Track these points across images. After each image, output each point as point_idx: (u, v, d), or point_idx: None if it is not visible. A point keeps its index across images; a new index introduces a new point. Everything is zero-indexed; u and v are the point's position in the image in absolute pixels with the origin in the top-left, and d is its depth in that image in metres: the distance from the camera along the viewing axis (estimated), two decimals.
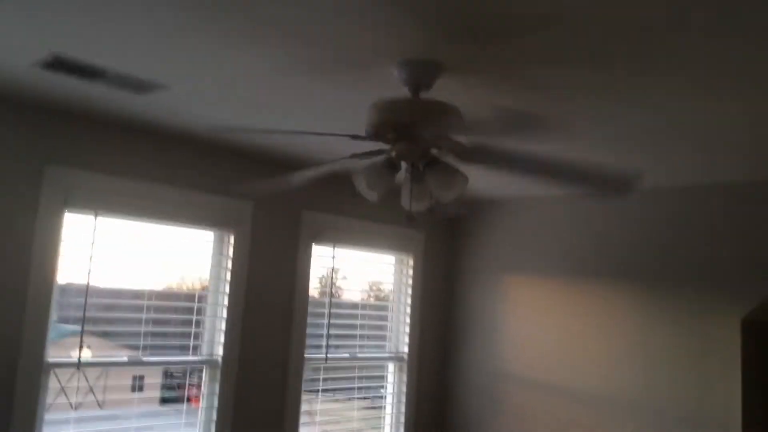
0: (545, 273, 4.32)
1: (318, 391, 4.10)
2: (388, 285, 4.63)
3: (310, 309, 3.98)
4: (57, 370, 3.02)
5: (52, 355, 2.98)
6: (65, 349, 3.06)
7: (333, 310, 4.15)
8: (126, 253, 3.28)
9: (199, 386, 3.57)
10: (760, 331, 3.59)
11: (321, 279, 4.21)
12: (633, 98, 2.39)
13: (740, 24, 1.74)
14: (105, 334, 3.30)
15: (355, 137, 2.23)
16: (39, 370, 2.92)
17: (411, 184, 2.24)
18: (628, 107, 2.49)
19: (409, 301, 4.57)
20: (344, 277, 4.35)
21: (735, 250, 3.51)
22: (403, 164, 2.24)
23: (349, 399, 4.35)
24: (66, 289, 3.06)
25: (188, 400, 3.60)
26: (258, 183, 3.34)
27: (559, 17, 1.77)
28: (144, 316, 3.32)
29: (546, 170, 2.33)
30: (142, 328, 3.31)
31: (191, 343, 3.52)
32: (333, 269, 4.17)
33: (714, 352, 3.53)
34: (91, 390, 3.24)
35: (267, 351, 3.77)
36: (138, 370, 3.52)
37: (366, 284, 4.63)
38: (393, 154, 2.20)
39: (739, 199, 3.53)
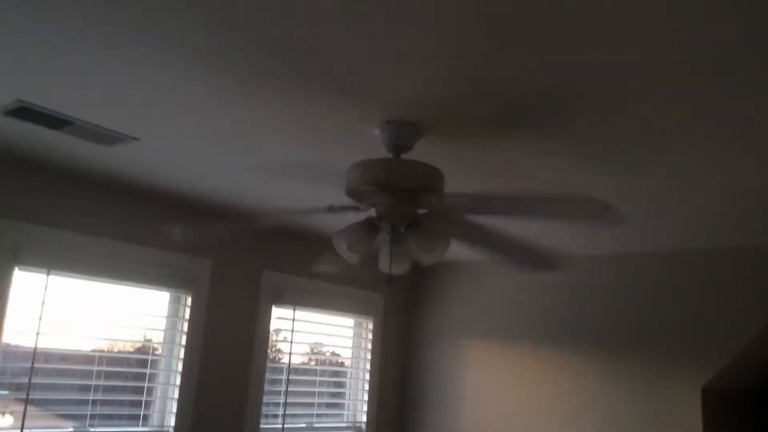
0: (504, 337, 4.29)
1: None
2: (347, 349, 4.50)
3: (267, 375, 3.81)
4: None
5: None
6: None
7: (291, 377, 3.99)
8: (77, 314, 3.08)
9: None
10: (720, 400, 3.62)
11: (279, 342, 4.06)
12: (596, 166, 2.43)
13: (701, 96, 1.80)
14: (46, 401, 3.04)
15: (330, 209, 2.19)
16: None
17: (391, 246, 2.19)
18: (592, 175, 2.54)
19: (368, 366, 4.45)
20: (303, 342, 4.21)
21: (695, 318, 3.57)
22: (384, 225, 2.19)
23: None
24: (9, 351, 2.84)
25: None
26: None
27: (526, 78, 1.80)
28: (93, 382, 3.10)
29: (495, 244, 2.35)
30: (91, 396, 3.09)
31: (141, 412, 3.30)
32: (292, 332, 4.03)
33: (674, 419, 3.53)
34: None
35: (222, 420, 3.57)
36: None
37: (325, 349, 4.49)
38: (374, 214, 2.16)
39: (700, 266, 3.61)
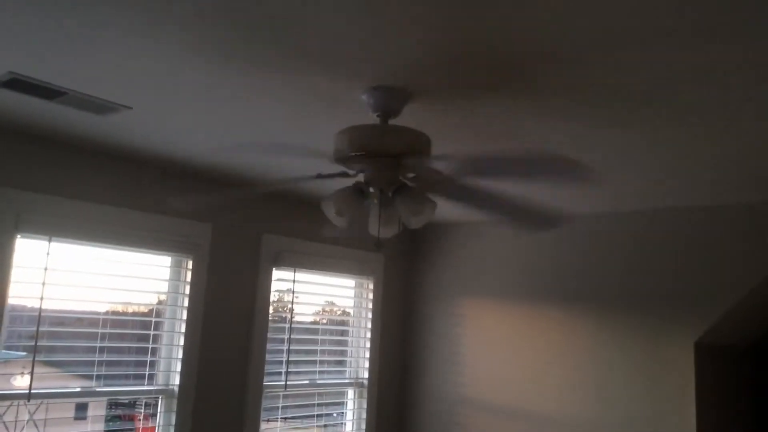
0: (502, 296, 4.36)
1: (277, 419, 4.02)
2: (348, 309, 4.60)
3: (269, 335, 3.91)
4: (2, 401, 2.88)
5: None
6: (7, 376, 2.92)
7: (293, 336, 4.09)
8: (80, 279, 3.17)
9: (149, 416, 3.45)
10: (713, 354, 3.69)
11: (280, 304, 4.15)
12: (587, 126, 2.45)
13: (699, 53, 1.81)
14: (54, 363, 3.15)
15: (319, 176, 2.23)
16: None
17: (380, 210, 2.23)
18: (589, 130, 2.55)
19: (369, 325, 4.54)
20: (304, 302, 4.30)
21: (688, 274, 3.61)
22: (372, 190, 2.23)
23: (309, 426, 4.27)
24: (16, 315, 2.93)
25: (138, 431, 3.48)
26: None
27: (518, 41, 1.81)
28: (98, 344, 3.20)
29: (493, 205, 2.37)
30: (96, 357, 3.19)
31: (146, 371, 3.41)
32: (293, 293, 4.12)
33: (668, 375, 3.60)
34: (33, 423, 3.09)
35: (225, 379, 3.68)
36: (81, 400, 3.35)
37: (326, 309, 4.58)
38: (362, 179, 2.19)
39: (690, 222, 3.64)
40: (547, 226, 2.98)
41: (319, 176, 2.24)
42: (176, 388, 3.44)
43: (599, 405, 3.81)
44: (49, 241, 3.01)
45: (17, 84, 2.28)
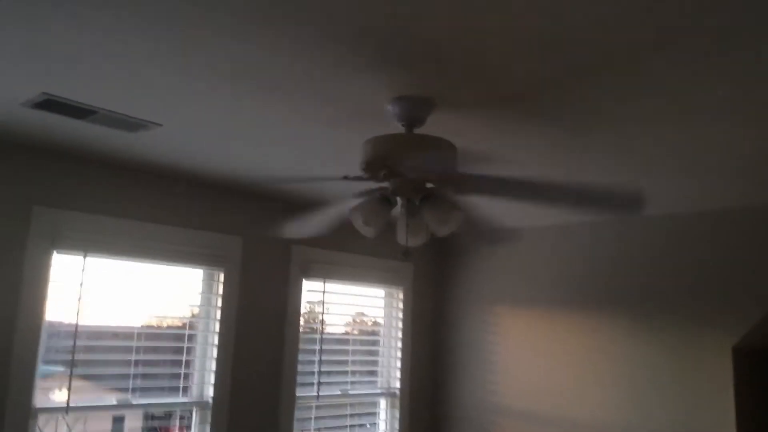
0: (535, 302, 4.32)
1: (310, 430, 4.03)
2: (378, 319, 4.60)
3: (300, 345, 3.93)
4: (42, 415, 2.94)
5: (38, 395, 2.91)
6: (46, 390, 2.98)
7: (324, 347, 4.10)
8: (115, 293, 3.23)
9: (185, 428, 3.49)
10: (751, 359, 3.60)
11: (311, 314, 4.17)
12: (622, 124, 2.42)
13: (729, 55, 1.78)
14: (90, 376, 3.21)
15: (345, 178, 2.24)
16: (26, 415, 2.84)
17: (407, 219, 2.24)
18: (618, 133, 2.52)
19: (399, 334, 4.54)
20: (335, 313, 4.31)
21: (725, 277, 3.54)
22: (399, 199, 2.24)
23: None
24: (53, 331, 3.00)
25: None
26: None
27: (541, 46, 1.80)
28: (133, 357, 3.25)
29: (555, 194, 2.34)
30: (131, 370, 3.24)
31: (180, 384, 3.45)
32: (323, 304, 4.14)
33: (706, 379, 3.53)
34: None
35: (258, 390, 3.71)
36: (118, 413, 3.40)
37: (356, 319, 4.59)
38: (388, 189, 2.20)
39: (729, 225, 3.57)
40: (628, 209, 2.82)
41: (346, 178, 2.24)
42: (210, 400, 3.48)
43: (635, 412, 3.75)
44: (84, 256, 3.08)
45: (50, 105, 2.34)
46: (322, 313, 4.13)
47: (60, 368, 3.05)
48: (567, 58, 1.83)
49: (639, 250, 3.90)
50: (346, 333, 4.47)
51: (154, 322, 3.48)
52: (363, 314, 4.61)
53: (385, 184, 2.22)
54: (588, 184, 2.19)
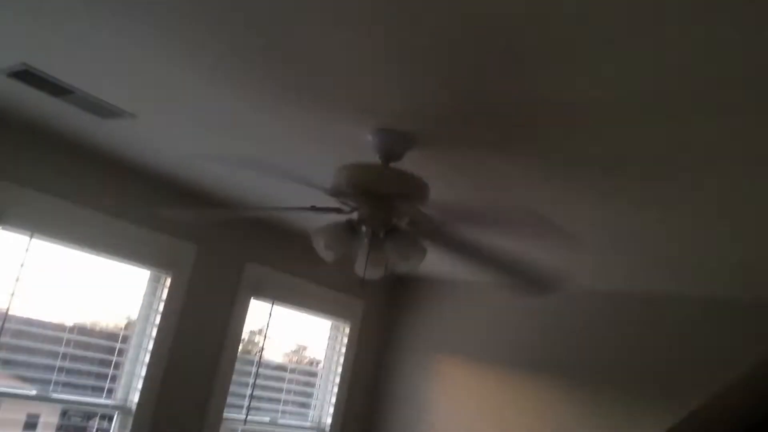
0: (478, 357, 4.31)
1: None
2: (320, 351, 4.52)
3: (236, 366, 3.83)
4: None
5: None
6: None
7: (261, 371, 4.00)
8: (55, 281, 3.10)
9: (104, 431, 3.34)
10: None
11: (253, 335, 4.07)
12: (577, 202, 2.47)
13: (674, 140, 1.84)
14: (11, 363, 3.05)
15: (313, 209, 2.22)
16: None
17: (369, 251, 2.22)
18: (571, 209, 2.57)
19: (339, 370, 4.46)
20: (277, 337, 4.22)
21: (666, 362, 3.59)
22: (364, 229, 2.22)
23: None
24: None
25: None
26: (186, 211, 3.16)
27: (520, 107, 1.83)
28: (61, 350, 3.12)
29: (488, 260, 2.36)
30: (57, 362, 3.10)
31: (106, 385, 3.31)
32: (267, 326, 4.05)
33: None
34: None
35: (185, 404, 3.58)
36: (34, 407, 3.23)
37: (298, 347, 4.50)
38: (355, 217, 2.19)
39: (674, 311, 3.63)
40: (543, 290, 2.93)
41: (314, 208, 2.24)
42: (134, 406, 3.34)
43: None
44: (31, 237, 2.96)
45: (28, 76, 2.28)
46: (265, 336, 4.04)
47: None
48: (547, 108, 1.86)
49: (585, 322, 3.93)
50: (286, 361, 4.37)
51: (90, 317, 3.35)
52: (305, 345, 4.52)
53: (351, 212, 2.21)
54: (518, 260, 2.25)
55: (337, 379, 4.44)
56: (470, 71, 1.68)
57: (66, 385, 3.14)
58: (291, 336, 4.35)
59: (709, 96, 1.57)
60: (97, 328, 3.40)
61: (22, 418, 3.21)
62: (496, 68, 1.64)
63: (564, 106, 1.78)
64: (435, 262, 4.03)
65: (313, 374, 4.46)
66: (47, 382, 3.08)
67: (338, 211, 2.25)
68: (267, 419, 4.07)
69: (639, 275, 3.48)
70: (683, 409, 3.46)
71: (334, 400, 4.40)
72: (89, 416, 3.39)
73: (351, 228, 2.19)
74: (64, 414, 3.34)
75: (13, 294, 2.90)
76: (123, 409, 3.34)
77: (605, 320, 3.87)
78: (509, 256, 2.28)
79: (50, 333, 3.15)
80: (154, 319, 3.47)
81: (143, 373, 3.38)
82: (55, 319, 3.17)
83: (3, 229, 2.89)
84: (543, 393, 3.97)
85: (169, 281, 3.51)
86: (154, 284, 3.52)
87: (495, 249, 2.28)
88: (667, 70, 1.49)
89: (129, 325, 3.46)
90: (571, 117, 1.83)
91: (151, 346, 3.42)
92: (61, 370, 3.11)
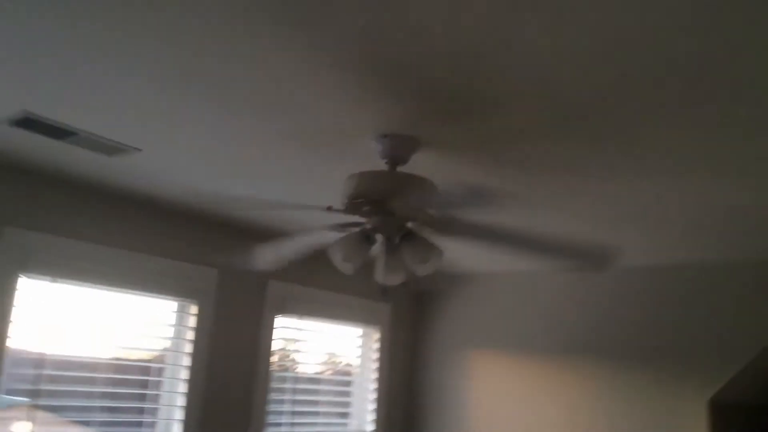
0: (511, 349, 4.28)
1: None
2: (353, 359, 4.51)
3: (272, 384, 3.83)
4: None
5: None
6: (7, 422, 2.85)
7: (296, 386, 4.00)
8: (83, 322, 3.12)
9: None
10: (727, 414, 3.58)
11: (284, 352, 4.07)
12: (604, 176, 2.43)
13: (712, 111, 1.80)
14: (53, 408, 3.08)
15: (329, 209, 2.20)
16: None
17: (386, 258, 2.20)
18: (600, 184, 2.53)
19: (374, 376, 4.45)
20: (308, 351, 4.22)
21: (701, 331, 3.54)
22: (379, 237, 2.21)
23: None
24: (17, 359, 2.88)
25: None
26: (240, 256, 3.13)
27: (533, 94, 1.81)
28: (99, 389, 3.14)
29: (523, 243, 2.32)
30: (97, 403, 3.12)
31: (146, 419, 3.33)
32: (297, 342, 4.05)
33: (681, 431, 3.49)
34: None
35: (227, 429, 3.58)
36: None
37: (330, 359, 4.50)
38: (369, 226, 2.17)
39: (706, 279, 3.58)
40: (595, 266, 2.83)
41: (330, 209, 2.21)
42: None
43: None
44: (53, 281, 2.99)
45: (30, 123, 2.29)
46: (296, 352, 4.04)
47: (22, 399, 2.92)
48: (556, 108, 1.84)
49: (617, 301, 3.89)
50: (320, 372, 4.37)
51: (121, 354, 3.36)
52: (337, 354, 4.52)
53: (365, 221, 2.20)
54: (561, 238, 2.19)
55: (373, 385, 4.43)
56: (469, 65, 1.66)
57: (107, 423, 3.15)
58: (322, 346, 4.34)
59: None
60: (131, 365, 3.41)
61: None
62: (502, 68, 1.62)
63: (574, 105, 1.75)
64: (457, 257, 4.01)
65: (349, 383, 4.45)
66: (89, 423, 3.10)
67: (352, 211, 2.22)
68: None
69: (662, 249, 3.43)
70: (725, 374, 3.41)
71: (372, 407, 4.39)
72: None
73: (366, 237, 2.17)
74: None
75: (44, 340, 2.92)
76: None
77: (636, 298, 3.82)
78: (552, 237, 2.22)
79: (85, 374, 3.16)
80: (186, 348, 3.47)
81: (181, 403, 3.39)
82: (87, 361, 3.19)
83: (25, 277, 2.91)
84: (579, 378, 3.93)
85: (195, 309, 3.52)
86: (182, 314, 3.53)
87: (533, 233, 2.23)
88: None
89: (161, 357, 3.47)
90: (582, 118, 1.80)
91: (186, 376, 3.42)
92: (101, 409, 3.13)
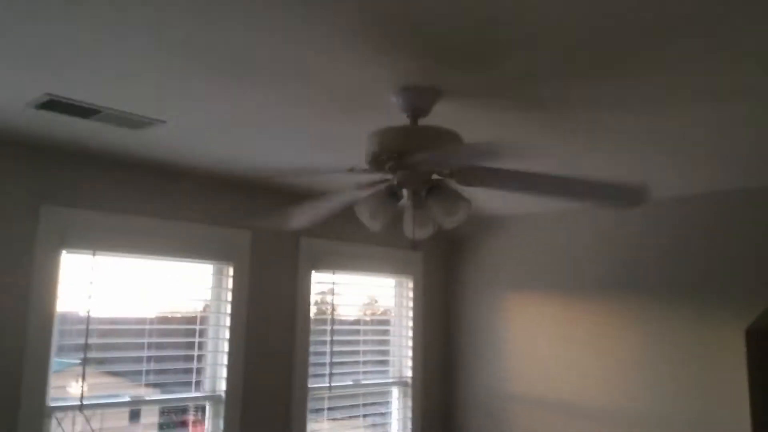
0: (545, 288, 4.31)
1: (323, 419, 4.05)
2: (389, 308, 4.60)
3: (312, 337, 3.94)
4: (57, 413, 2.96)
5: (52, 391, 2.93)
6: (61, 386, 3.01)
7: (335, 338, 4.11)
8: (124, 291, 3.24)
9: (200, 421, 3.52)
10: (765, 340, 3.58)
11: (321, 306, 4.17)
12: (628, 109, 2.39)
13: (737, 36, 1.75)
14: (104, 370, 3.22)
15: (352, 170, 2.22)
16: (41, 414, 2.87)
17: (413, 212, 2.22)
18: (624, 118, 2.49)
19: (410, 323, 4.54)
20: (344, 304, 4.31)
21: (737, 259, 3.51)
22: (405, 191, 2.22)
23: (355, 426, 4.29)
24: (66, 324, 3.02)
25: None
26: (273, 218, 3.17)
27: (548, 35, 1.77)
28: (145, 354, 3.27)
29: (553, 187, 2.31)
30: (144, 366, 3.26)
31: (193, 378, 3.47)
32: (333, 295, 4.14)
33: (719, 362, 3.51)
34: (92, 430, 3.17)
35: (270, 383, 3.72)
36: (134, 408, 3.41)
37: (367, 309, 4.59)
38: (394, 182, 2.19)
39: (739, 207, 3.53)
40: (626, 202, 2.78)
41: (352, 170, 2.23)
42: (223, 394, 3.50)
43: (649, 395, 3.74)
44: (93, 254, 3.09)
45: (54, 105, 2.34)
46: (332, 305, 4.13)
47: (74, 361, 3.06)
48: (569, 50, 1.80)
49: (649, 234, 3.87)
50: (357, 322, 4.47)
51: (165, 318, 3.49)
52: (373, 304, 4.61)
53: (390, 177, 2.21)
54: (591, 179, 2.17)
55: (410, 333, 4.52)
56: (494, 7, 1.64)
57: (156, 385, 3.30)
58: (358, 298, 4.43)
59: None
60: (174, 327, 3.54)
61: (125, 422, 3.39)
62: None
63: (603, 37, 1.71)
64: (484, 202, 4.01)
65: (386, 332, 4.54)
66: (139, 383, 3.24)
67: (375, 170, 2.23)
68: (350, 382, 4.19)
69: (693, 179, 3.38)
70: (761, 301, 3.39)
71: (410, 353, 4.49)
72: (184, 410, 3.56)
73: (392, 193, 2.19)
74: (162, 410, 3.52)
75: (89, 311, 3.04)
76: (213, 399, 3.50)
77: (668, 229, 3.79)
78: (581, 178, 2.20)
79: (131, 340, 3.30)
80: (225, 309, 3.58)
81: (225, 361, 3.52)
82: (133, 323, 3.32)
83: (67, 252, 3.01)
84: (617, 313, 3.95)
85: (231, 270, 3.62)
86: (218, 276, 3.63)
87: (562, 176, 2.22)
88: None
89: (203, 318, 3.59)
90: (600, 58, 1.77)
91: (227, 335, 3.55)
92: (149, 372, 3.27)
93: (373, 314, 4.62)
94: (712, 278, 3.59)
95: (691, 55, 1.86)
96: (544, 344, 4.25)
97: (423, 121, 2.23)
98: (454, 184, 2.21)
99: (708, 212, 3.65)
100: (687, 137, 2.67)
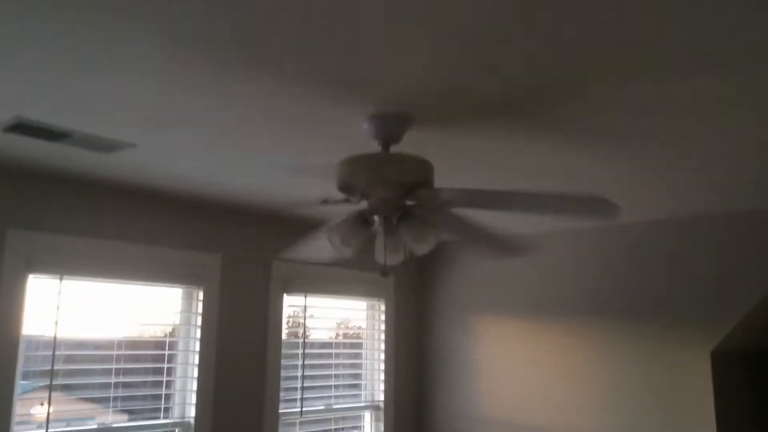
0: (515, 312, 4.34)
1: None
2: (361, 331, 4.59)
3: (283, 362, 3.91)
4: None
5: (17, 417, 2.86)
6: (28, 410, 2.93)
7: (307, 362, 4.09)
8: (92, 315, 3.19)
9: None
10: (730, 362, 3.65)
11: (293, 330, 4.14)
12: (595, 136, 2.44)
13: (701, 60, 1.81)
14: (71, 392, 3.15)
15: (325, 202, 2.24)
16: None
17: (385, 238, 2.23)
18: (590, 144, 2.54)
19: (382, 346, 4.53)
20: (316, 327, 4.29)
21: (701, 283, 3.58)
22: (376, 218, 2.24)
23: None
24: (31, 346, 2.95)
25: None
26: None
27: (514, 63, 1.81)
28: (113, 380, 3.21)
29: (525, 204, 2.34)
30: (111, 393, 3.20)
31: (162, 404, 3.41)
32: (305, 318, 4.12)
33: (686, 385, 3.57)
34: None
35: (241, 409, 3.68)
36: None
37: (339, 332, 4.57)
38: (366, 208, 2.20)
39: (704, 232, 3.62)
40: (512, 253, 2.88)
41: (325, 202, 2.25)
42: (192, 421, 3.44)
43: (617, 418, 3.77)
44: (61, 279, 3.04)
45: (23, 128, 2.32)
46: (304, 329, 4.11)
47: (40, 385, 2.99)
48: (545, 72, 1.85)
49: (616, 259, 3.93)
50: (329, 346, 4.45)
51: (133, 344, 3.44)
52: (345, 327, 4.59)
53: (361, 204, 2.22)
54: (563, 192, 2.21)
55: (383, 356, 4.51)
56: (465, 45, 1.67)
57: (124, 412, 3.24)
58: (330, 323, 4.41)
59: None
60: (142, 353, 3.49)
61: None
62: (493, 40, 1.62)
63: (562, 74, 1.76)
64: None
65: (359, 355, 4.52)
66: (106, 413, 3.18)
67: (348, 201, 2.26)
68: (322, 406, 4.16)
69: (657, 204, 3.45)
70: (726, 324, 3.46)
71: (383, 376, 4.48)
72: None
73: (363, 219, 2.20)
74: None
75: (55, 336, 2.98)
76: (183, 425, 3.45)
77: (633, 254, 3.86)
78: (552, 194, 2.23)
79: (99, 366, 3.23)
80: (195, 333, 3.54)
81: (194, 387, 3.47)
82: (100, 352, 3.26)
83: (33, 276, 2.96)
84: (585, 335, 4.00)
85: (201, 294, 3.58)
86: (188, 300, 3.59)
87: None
88: None
89: (172, 343, 3.54)
90: (575, 84, 1.81)
91: (197, 360, 3.50)
92: (116, 399, 3.21)
93: (345, 337, 4.61)
94: (678, 302, 3.66)
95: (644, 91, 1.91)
96: (513, 367, 4.28)
97: (395, 148, 2.25)
98: (424, 210, 2.23)
99: (673, 237, 3.73)
100: (653, 162, 2.73)
